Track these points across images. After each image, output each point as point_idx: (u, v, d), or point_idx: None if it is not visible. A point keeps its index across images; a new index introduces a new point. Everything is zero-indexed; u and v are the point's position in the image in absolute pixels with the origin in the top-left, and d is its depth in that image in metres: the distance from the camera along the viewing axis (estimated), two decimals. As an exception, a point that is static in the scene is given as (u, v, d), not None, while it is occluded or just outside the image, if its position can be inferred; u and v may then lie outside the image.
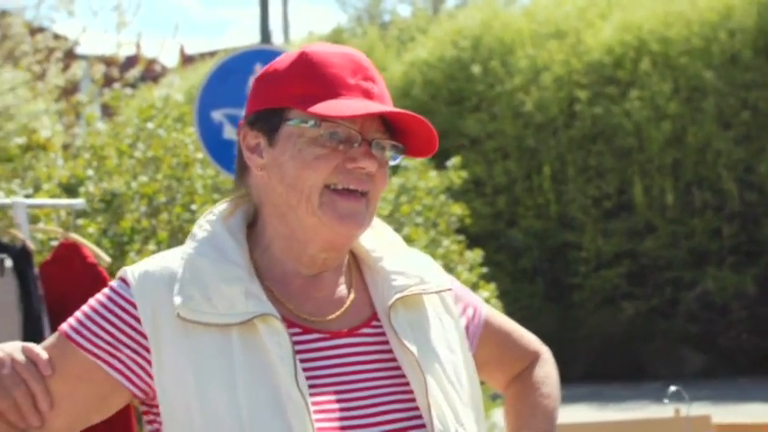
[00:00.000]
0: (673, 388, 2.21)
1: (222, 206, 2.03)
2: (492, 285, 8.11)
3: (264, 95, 1.97)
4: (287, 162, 1.93)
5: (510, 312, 8.02)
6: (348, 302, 2.01)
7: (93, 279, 4.56)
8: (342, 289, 2.02)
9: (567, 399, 10.66)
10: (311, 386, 1.89)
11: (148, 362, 1.90)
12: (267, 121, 1.96)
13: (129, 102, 9.24)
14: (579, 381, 14.69)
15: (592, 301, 16.38)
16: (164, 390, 1.89)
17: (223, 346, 1.88)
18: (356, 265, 2.06)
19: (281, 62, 2.00)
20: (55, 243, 5.49)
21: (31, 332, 4.30)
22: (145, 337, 1.90)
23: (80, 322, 1.95)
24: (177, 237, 7.01)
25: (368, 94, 1.95)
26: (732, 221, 15.98)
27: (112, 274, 6.33)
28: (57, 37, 11.92)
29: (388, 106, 1.96)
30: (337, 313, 1.98)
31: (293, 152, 1.93)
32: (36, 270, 4.44)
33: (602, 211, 16.49)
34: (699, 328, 15.96)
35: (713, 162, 16.00)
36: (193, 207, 7.04)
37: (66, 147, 8.06)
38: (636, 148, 16.33)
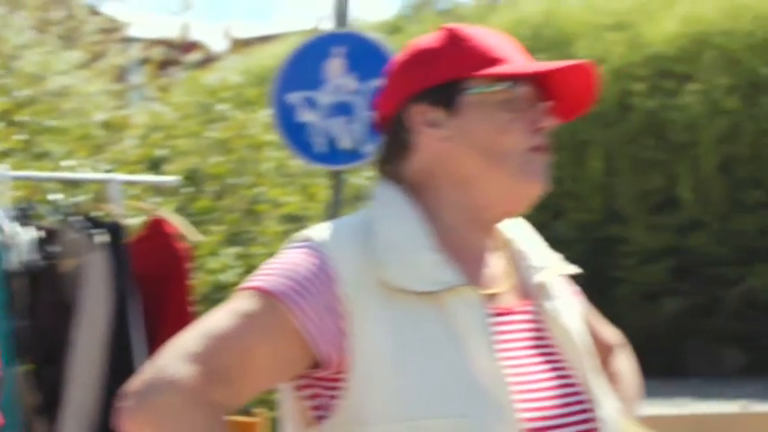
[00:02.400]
0: None
1: (383, 182, 2.04)
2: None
3: (427, 72, 2.00)
4: (478, 128, 1.97)
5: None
6: (508, 279, 2.06)
7: (176, 256, 4.61)
8: (499, 266, 2.06)
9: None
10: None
11: (342, 328, 1.87)
12: (442, 94, 1.99)
13: (186, 84, 9.31)
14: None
15: (635, 295, 16.35)
16: (360, 356, 1.86)
17: (422, 315, 1.89)
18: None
19: (430, 41, 2.04)
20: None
21: (121, 309, 4.36)
22: (342, 300, 1.88)
23: (285, 280, 1.89)
24: (244, 219, 7.08)
25: (528, 57, 2.05)
26: (782, 220, 15.93)
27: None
28: (112, 20, 12.04)
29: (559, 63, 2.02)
30: (500, 289, 2.02)
31: (483, 118, 1.97)
32: (126, 246, 4.49)
33: (650, 206, 16.45)
34: (742, 326, 15.93)
35: (767, 160, 15.92)
36: (259, 189, 7.11)
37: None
38: (688, 144, 16.27)
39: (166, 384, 1.79)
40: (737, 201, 16.07)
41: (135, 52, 12.24)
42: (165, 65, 11.10)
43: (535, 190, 2.00)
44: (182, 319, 4.33)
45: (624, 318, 16.37)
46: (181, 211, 6.33)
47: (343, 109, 6.72)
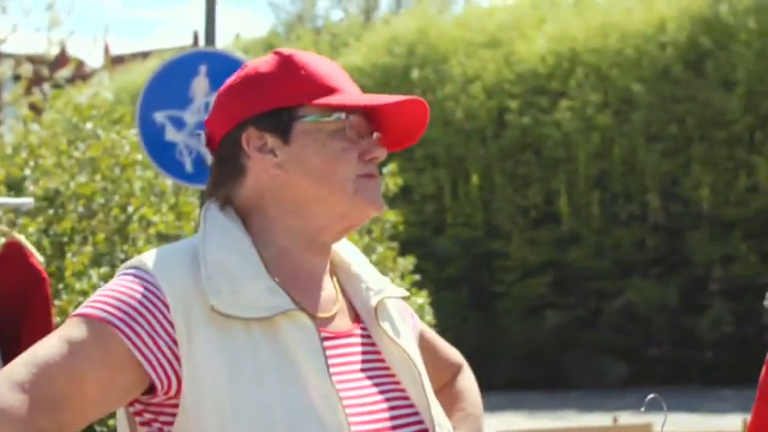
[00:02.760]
0: (651, 396, 2.24)
1: (213, 205, 2.01)
2: (425, 292, 8.17)
3: (261, 97, 1.98)
4: (311, 157, 1.97)
5: (435, 320, 8.10)
6: (338, 302, 2.04)
7: (33, 280, 4.51)
8: (331, 289, 2.06)
9: (493, 407, 10.74)
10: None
11: (175, 353, 1.85)
12: (276, 120, 1.97)
13: (54, 101, 9.15)
14: (502, 389, 14.82)
15: (516, 309, 16.52)
16: (193, 382, 1.85)
17: (254, 341, 1.88)
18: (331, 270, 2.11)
19: (262, 65, 2.01)
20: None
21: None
22: (173, 326, 1.86)
23: (116, 307, 1.86)
24: (114, 239, 6.96)
25: (356, 87, 2.04)
26: (656, 233, 16.22)
27: (50, 275, 6.28)
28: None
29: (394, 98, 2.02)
30: (333, 312, 2.02)
31: (316, 147, 1.97)
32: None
33: (529, 221, 16.63)
34: (621, 339, 16.16)
35: (639, 174, 16.22)
36: (130, 209, 7.00)
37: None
38: (564, 159, 16.49)
39: None
40: (612, 215, 16.33)
41: (5, 69, 12.02)
42: (39, 81, 10.90)
43: (372, 211, 2.01)
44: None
45: (507, 332, 16.52)
46: (44, 232, 6.21)
47: (210, 127, 6.65)
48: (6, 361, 4.33)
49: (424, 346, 2.22)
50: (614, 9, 17.33)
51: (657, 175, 16.16)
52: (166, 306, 1.86)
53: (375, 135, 2.02)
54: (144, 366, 1.84)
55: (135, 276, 1.89)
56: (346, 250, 2.12)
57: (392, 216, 8.57)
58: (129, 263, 1.93)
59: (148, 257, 1.91)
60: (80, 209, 6.56)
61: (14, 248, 4.59)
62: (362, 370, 1.99)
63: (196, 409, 1.84)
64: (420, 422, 1.99)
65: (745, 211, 15.81)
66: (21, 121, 7.84)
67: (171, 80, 6.72)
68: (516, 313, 16.52)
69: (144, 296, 1.86)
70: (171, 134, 6.68)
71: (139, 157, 7.10)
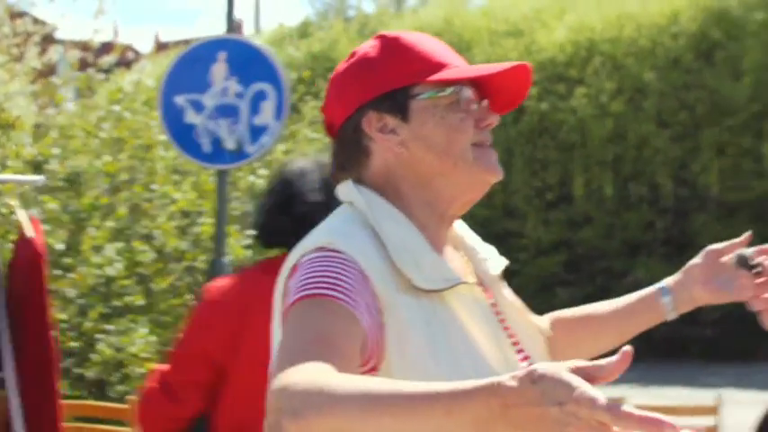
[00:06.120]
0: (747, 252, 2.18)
1: (354, 185, 2.00)
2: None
3: (378, 81, 1.98)
4: (432, 131, 1.97)
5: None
6: (470, 273, 2.06)
7: (30, 254, 4.44)
8: (460, 260, 2.07)
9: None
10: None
11: (380, 322, 1.83)
12: (393, 101, 1.97)
13: (101, 86, 9.21)
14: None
15: (530, 287, 16.49)
16: (396, 347, 1.84)
17: (435, 310, 1.89)
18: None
19: (371, 50, 2.02)
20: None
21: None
22: (376, 298, 1.84)
23: (334, 285, 1.81)
24: (136, 214, 7.01)
25: (465, 62, 2.04)
26: (665, 215, 16.16)
27: (68, 249, 6.31)
28: (36, 21, 11.86)
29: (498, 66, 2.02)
30: (473, 281, 2.03)
31: (435, 121, 1.97)
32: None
33: (544, 202, 16.59)
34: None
35: (650, 159, 16.18)
36: (153, 187, 7.04)
37: (38, 126, 8.03)
38: (579, 144, 16.44)
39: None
40: (623, 197, 16.28)
41: (56, 54, 12.10)
42: (84, 67, 10.95)
43: (493, 178, 2.00)
44: (40, 324, 4.25)
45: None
46: (63, 208, 6.26)
47: (227, 111, 6.69)
48: (16, 338, 4.32)
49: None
50: (630, 1, 17.26)
51: (667, 160, 16.13)
52: (367, 279, 1.85)
53: (485, 102, 2.01)
54: (367, 333, 1.81)
55: (334, 255, 1.87)
56: (456, 224, 2.12)
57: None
58: (318, 243, 1.90)
59: (334, 237, 1.90)
60: (104, 186, 6.61)
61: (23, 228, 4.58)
62: (509, 336, 2.03)
63: (400, 369, 1.82)
64: None
65: (750, 195, 15.75)
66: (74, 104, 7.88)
67: (192, 66, 6.78)
68: (529, 290, 16.48)
69: (352, 273, 1.84)
70: (191, 116, 6.73)
71: (163, 137, 7.14)
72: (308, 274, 1.84)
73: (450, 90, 1.97)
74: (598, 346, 2.30)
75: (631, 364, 1.81)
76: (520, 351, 2.02)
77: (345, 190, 2.00)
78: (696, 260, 2.25)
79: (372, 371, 1.83)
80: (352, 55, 2.03)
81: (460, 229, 2.12)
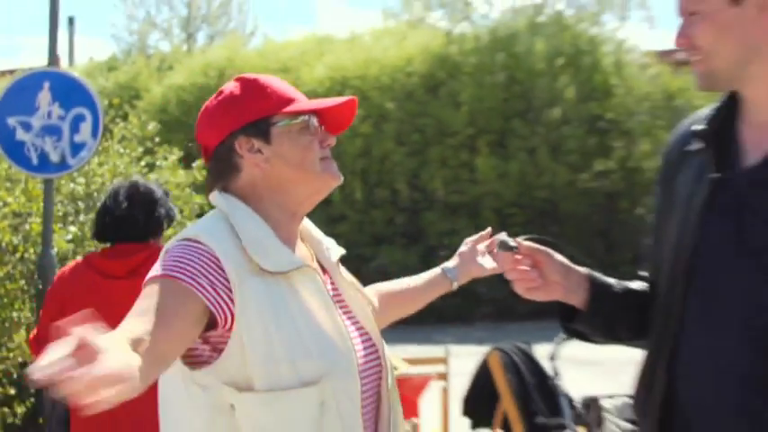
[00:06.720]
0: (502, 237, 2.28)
1: (221, 192, 2.06)
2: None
3: (245, 112, 2.03)
4: (289, 150, 2.04)
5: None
6: (315, 259, 2.14)
7: None
8: (305, 249, 2.15)
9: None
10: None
11: (230, 297, 1.89)
12: (258, 128, 2.03)
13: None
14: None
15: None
16: (244, 315, 1.89)
17: (280, 288, 1.95)
18: None
19: (235, 89, 2.07)
20: None
21: None
22: (227, 277, 1.90)
23: (182, 268, 1.88)
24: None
25: (305, 97, 2.11)
26: (403, 213, 16.50)
27: None
28: None
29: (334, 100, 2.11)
30: (314, 266, 2.10)
31: (291, 142, 2.04)
32: None
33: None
34: (377, 292, 16.35)
35: (391, 170, 16.49)
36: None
37: None
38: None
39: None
40: (371, 199, 16.55)
41: None
42: None
43: (336, 182, 2.11)
44: None
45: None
46: None
47: (51, 131, 6.53)
48: None
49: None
50: (376, 47, 17.58)
51: (404, 171, 16.47)
52: (220, 264, 1.90)
53: (323, 127, 2.10)
54: (208, 306, 1.87)
55: (190, 243, 1.93)
56: (305, 221, 2.20)
57: (199, 199, 8.46)
58: (185, 235, 1.95)
59: (199, 232, 1.95)
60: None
61: None
62: (342, 308, 2.09)
63: (247, 334, 1.88)
64: (374, 344, 2.11)
65: (467, 198, 16.27)
66: None
67: (21, 92, 6.57)
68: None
69: (201, 256, 1.90)
70: (21, 134, 6.52)
71: (-2, 152, 6.88)
72: (167, 259, 1.92)
73: (301, 119, 2.05)
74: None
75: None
76: (351, 318, 2.09)
77: (213, 197, 2.06)
78: (462, 248, 2.53)
79: (229, 330, 1.89)
80: (220, 93, 2.08)
81: (308, 225, 2.20)
